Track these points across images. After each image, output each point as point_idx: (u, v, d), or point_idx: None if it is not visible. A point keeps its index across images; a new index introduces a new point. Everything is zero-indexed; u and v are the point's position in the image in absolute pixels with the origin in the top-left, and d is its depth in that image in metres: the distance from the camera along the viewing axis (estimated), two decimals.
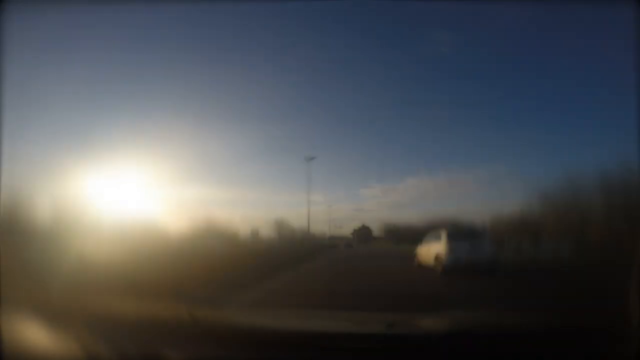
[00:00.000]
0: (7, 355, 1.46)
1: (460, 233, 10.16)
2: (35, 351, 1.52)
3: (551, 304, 5.04)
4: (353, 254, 24.43)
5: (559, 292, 6.44)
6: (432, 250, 10.37)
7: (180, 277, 6.10)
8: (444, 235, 9.97)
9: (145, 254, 7.47)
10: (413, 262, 12.24)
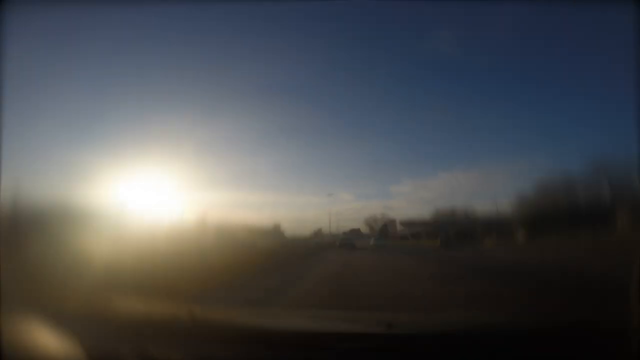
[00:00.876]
0: (7, 356, 1.46)
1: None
2: (35, 351, 1.52)
3: (551, 304, 5.04)
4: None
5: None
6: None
7: (182, 278, 6.13)
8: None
9: (153, 254, 7.46)
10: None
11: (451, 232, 22.55)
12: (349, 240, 23.62)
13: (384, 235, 30.80)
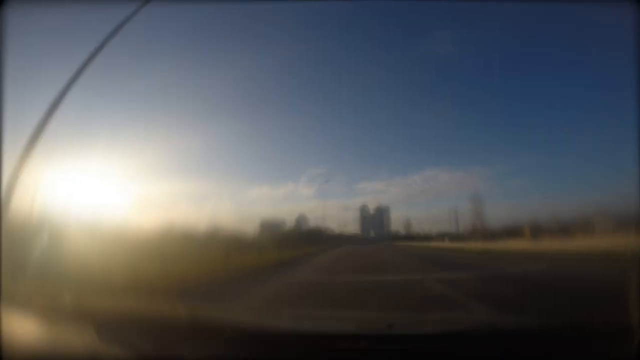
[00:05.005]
0: (6, 355, 1.45)
1: None
2: (35, 350, 1.52)
3: (551, 304, 5.04)
4: None
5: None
6: None
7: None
8: None
9: (123, 251, 7.46)
10: None
11: None
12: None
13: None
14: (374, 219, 66.66)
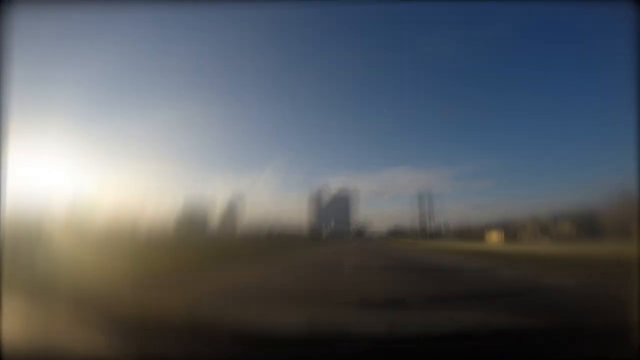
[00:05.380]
0: (6, 354, 1.46)
1: None
2: (34, 350, 1.52)
3: (551, 304, 5.03)
4: None
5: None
6: None
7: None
8: None
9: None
10: None
11: None
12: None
13: None
14: (334, 208, 48.21)
